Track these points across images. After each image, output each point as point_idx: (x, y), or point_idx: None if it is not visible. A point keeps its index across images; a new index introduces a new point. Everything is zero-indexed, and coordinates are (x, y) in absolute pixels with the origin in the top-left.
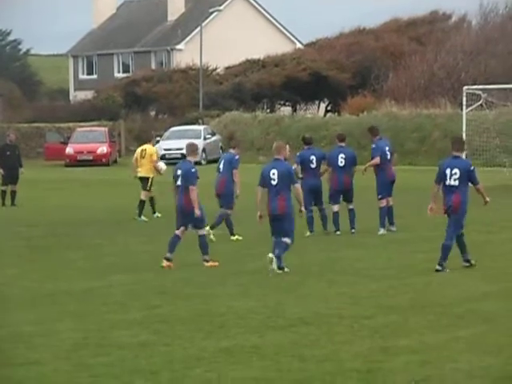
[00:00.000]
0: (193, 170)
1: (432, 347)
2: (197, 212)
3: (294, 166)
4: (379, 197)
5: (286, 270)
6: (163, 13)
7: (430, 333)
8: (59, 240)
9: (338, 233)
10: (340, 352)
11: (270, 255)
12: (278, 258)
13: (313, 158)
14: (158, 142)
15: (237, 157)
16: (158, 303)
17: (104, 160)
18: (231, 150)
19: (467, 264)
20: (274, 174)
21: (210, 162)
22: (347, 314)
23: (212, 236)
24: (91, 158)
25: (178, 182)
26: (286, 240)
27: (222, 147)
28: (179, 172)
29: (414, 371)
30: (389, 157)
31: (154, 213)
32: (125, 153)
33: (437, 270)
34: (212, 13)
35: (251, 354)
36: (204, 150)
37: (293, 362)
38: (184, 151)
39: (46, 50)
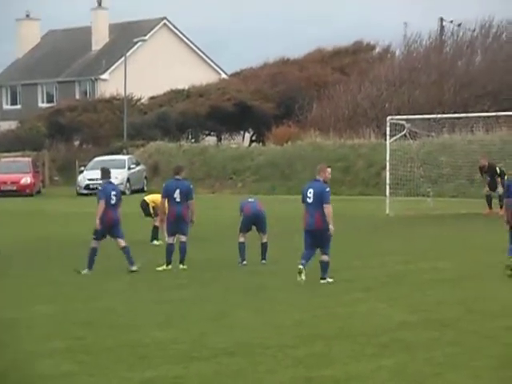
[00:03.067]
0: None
1: (356, 377)
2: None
3: None
4: None
5: (329, 280)
6: (87, 42)
7: (353, 362)
8: None
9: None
10: (263, 382)
11: (300, 266)
12: (325, 272)
13: None
14: (81, 171)
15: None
16: (81, 334)
17: (28, 190)
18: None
19: None
20: (310, 192)
21: (134, 191)
22: (271, 343)
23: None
24: (15, 188)
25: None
26: (325, 258)
27: (146, 177)
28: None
29: None
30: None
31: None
32: (49, 183)
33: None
34: (136, 43)
35: None
36: (128, 180)
37: None
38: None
39: None
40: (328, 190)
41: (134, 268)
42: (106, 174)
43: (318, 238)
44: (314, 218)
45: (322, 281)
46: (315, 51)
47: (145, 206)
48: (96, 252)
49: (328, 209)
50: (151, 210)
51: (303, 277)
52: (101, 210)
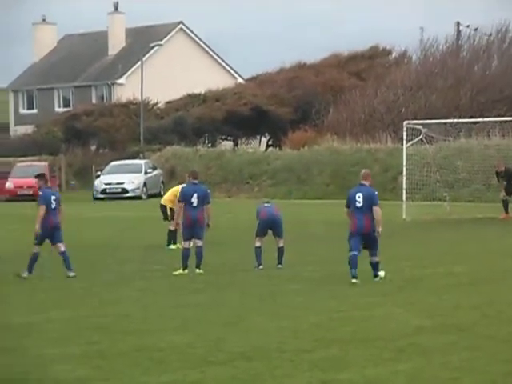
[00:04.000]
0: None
1: (373, 381)
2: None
3: None
4: None
5: (381, 274)
6: (104, 47)
7: (370, 366)
8: None
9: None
10: None
11: (354, 281)
12: (377, 270)
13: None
14: (98, 176)
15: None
16: (96, 339)
17: None
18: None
19: None
20: (359, 196)
21: (150, 196)
22: (288, 347)
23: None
24: (31, 192)
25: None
26: (375, 259)
27: (163, 181)
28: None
29: None
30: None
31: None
32: (65, 187)
33: None
34: (153, 47)
35: None
36: (145, 185)
37: None
38: (125, 185)
39: None
40: (376, 193)
41: (72, 274)
42: (42, 178)
43: (366, 240)
44: (364, 221)
45: (376, 278)
46: (331, 56)
47: (163, 209)
48: (37, 257)
49: (378, 211)
50: (169, 213)
51: (382, 273)
52: (41, 215)
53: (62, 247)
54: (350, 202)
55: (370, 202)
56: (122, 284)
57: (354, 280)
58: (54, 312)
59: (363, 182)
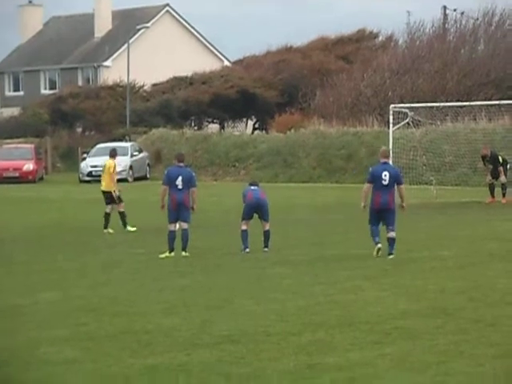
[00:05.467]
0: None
1: (358, 364)
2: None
3: None
4: None
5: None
6: (90, 29)
7: (356, 350)
8: None
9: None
10: (266, 369)
11: (379, 245)
12: (393, 248)
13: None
14: (84, 159)
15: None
16: (84, 321)
17: (30, 177)
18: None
19: None
20: (385, 175)
21: (136, 179)
22: (274, 331)
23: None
24: (17, 175)
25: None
26: (393, 234)
27: (149, 164)
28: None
29: None
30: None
31: (125, 227)
32: (51, 170)
33: None
34: (139, 30)
35: (177, 372)
36: (131, 167)
37: (219, 380)
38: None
39: None
40: (401, 171)
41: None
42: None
43: (386, 215)
44: (387, 198)
45: (390, 256)
46: (318, 39)
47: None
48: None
49: (403, 189)
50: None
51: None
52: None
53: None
54: (375, 180)
55: (395, 180)
56: (111, 266)
57: (379, 245)
58: (42, 294)
59: (385, 159)
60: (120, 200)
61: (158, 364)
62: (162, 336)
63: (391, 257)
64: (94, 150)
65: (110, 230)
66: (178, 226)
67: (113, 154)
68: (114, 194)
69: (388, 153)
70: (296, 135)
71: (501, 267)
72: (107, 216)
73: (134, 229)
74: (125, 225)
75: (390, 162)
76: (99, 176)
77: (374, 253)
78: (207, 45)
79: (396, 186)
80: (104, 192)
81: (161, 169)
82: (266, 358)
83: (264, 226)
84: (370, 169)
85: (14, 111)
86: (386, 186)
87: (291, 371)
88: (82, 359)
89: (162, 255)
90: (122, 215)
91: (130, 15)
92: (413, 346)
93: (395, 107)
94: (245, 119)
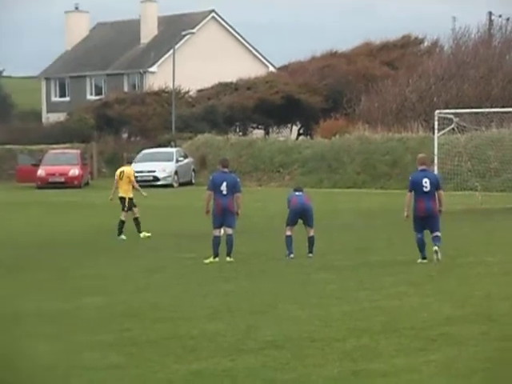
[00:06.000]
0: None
1: (403, 370)
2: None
3: None
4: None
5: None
6: (136, 35)
7: (401, 356)
8: (28, 261)
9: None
10: (311, 375)
11: (436, 247)
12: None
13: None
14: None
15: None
16: (128, 326)
17: (76, 182)
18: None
19: None
20: (426, 182)
21: (182, 184)
22: (318, 336)
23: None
24: (63, 180)
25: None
26: (439, 234)
27: (194, 170)
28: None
29: None
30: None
31: (140, 233)
32: (97, 175)
33: None
34: (185, 35)
35: (222, 378)
36: (176, 173)
37: None
38: (156, 174)
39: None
40: (441, 177)
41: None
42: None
43: (430, 221)
44: (431, 204)
45: (437, 255)
46: (363, 45)
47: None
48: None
49: (442, 194)
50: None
51: (440, 256)
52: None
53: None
54: (416, 187)
55: (436, 186)
56: (154, 271)
57: (424, 260)
58: (86, 299)
59: (423, 166)
60: (134, 206)
61: (203, 369)
62: (206, 341)
63: (438, 255)
64: (139, 156)
65: (123, 237)
66: (222, 231)
67: (130, 161)
68: (129, 201)
69: (425, 159)
70: (341, 141)
71: None
72: (136, 221)
73: (149, 234)
74: (139, 231)
75: (436, 169)
76: (144, 181)
77: (419, 260)
78: (252, 50)
79: (436, 192)
80: (121, 198)
81: (206, 174)
82: (311, 363)
83: (308, 232)
84: (410, 177)
85: (60, 117)
86: (428, 192)
87: (336, 377)
88: (125, 365)
89: (207, 260)
90: (137, 221)
91: (175, 21)
92: (458, 353)
93: (440, 113)
94: (289, 125)
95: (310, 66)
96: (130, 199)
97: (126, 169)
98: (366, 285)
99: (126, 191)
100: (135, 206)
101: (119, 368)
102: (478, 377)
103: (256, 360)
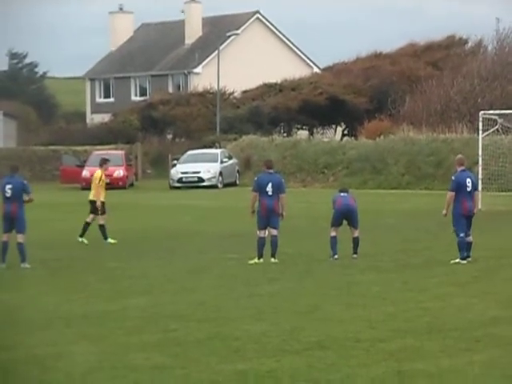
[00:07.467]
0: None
1: (448, 371)
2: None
3: None
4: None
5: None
6: (180, 36)
7: (446, 357)
8: (74, 262)
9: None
10: (356, 376)
11: (464, 262)
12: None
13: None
14: (174, 165)
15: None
16: (173, 326)
17: (121, 183)
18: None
19: None
20: (469, 182)
21: (226, 185)
22: (363, 337)
23: None
24: (108, 181)
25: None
26: (471, 238)
27: (238, 171)
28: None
29: None
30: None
31: (106, 239)
32: (141, 176)
33: None
34: (229, 36)
35: (267, 378)
36: (221, 174)
37: None
38: (201, 175)
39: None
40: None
41: (26, 265)
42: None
43: (469, 221)
44: (472, 204)
45: (468, 259)
46: (407, 45)
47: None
48: (7, 246)
49: (478, 194)
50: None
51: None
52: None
53: (19, 238)
54: (460, 187)
55: (475, 187)
56: (200, 272)
57: (464, 261)
58: (131, 300)
59: (462, 167)
60: (103, 212)
61: (248, 370)
62: (251, 342)
63: (469, 259)
64: (184, 157)
65: (85, 241)
66: (267, 232)
67: (101, 163)
68: (97, 205)
69: (464, 160)
70: (385, 142)
71: None
72: (86, 225)
73: (115, 241)
74: (105, 237)
75: (480, 170)
76: (189, 182)
77: (457, 260)
78: (297, 51)
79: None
80: (90, 201)
81: (250, 175)
82: (356, 364)
83: (353, 233)
84: (453, 177)
85: (105, 118)
86: (469, 192)
87: (381, 378)
88: (170, 365)
89: (252, 261)
90: (102, 228)
91: (220, 22)
92: (503, 353)
93: (485, 114)
94: (334, 126)
95: (354, 66)
96: (102, 203)
97: (96, 172)
98: (410, 286)
99: (94, 195)
100: (104, 213)
101: (164, 368)
102: None
103: (301, 361)
